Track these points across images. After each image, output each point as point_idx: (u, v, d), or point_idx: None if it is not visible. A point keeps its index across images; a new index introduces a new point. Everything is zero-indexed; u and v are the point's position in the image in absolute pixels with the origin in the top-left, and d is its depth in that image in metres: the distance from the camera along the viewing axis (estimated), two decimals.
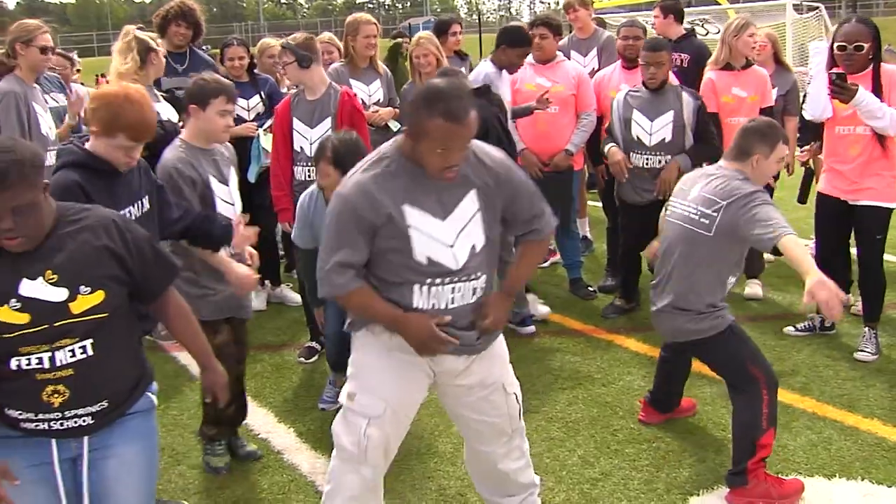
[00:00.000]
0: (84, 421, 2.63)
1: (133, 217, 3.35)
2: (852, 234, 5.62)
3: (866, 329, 5.60)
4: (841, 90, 4.99)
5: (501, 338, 3.38)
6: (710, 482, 4.06)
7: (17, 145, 2.47)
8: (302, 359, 5.72)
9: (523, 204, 3.20)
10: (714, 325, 4.03)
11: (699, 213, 3.99)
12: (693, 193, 4.08)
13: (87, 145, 3.31)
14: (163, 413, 4.90)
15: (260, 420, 4.90)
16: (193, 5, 6.53)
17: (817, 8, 19.78)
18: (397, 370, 3.17)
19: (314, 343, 5.80)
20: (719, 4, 20.08)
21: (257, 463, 4.40)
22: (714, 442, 4.43)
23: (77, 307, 2.54)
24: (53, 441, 2.66)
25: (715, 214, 3.92)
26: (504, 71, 6.08)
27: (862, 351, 5.53)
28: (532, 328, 6.02)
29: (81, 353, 2.57)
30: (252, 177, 6.33)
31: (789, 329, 5.93)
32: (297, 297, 6.68)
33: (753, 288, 6.73)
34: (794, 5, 18.32)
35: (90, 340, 2.58)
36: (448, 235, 3.05)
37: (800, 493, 3.91)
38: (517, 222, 3.24)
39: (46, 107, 5.51)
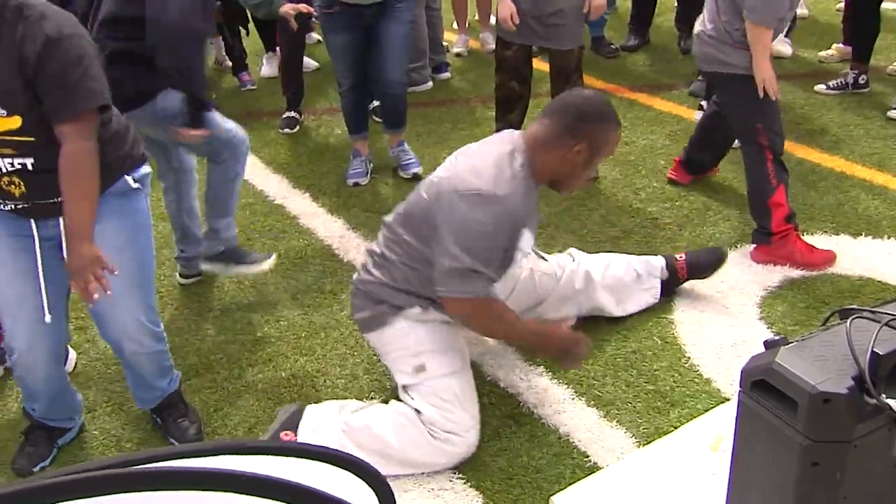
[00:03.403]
0: (52, 201, 2.52)
1: None
2: None
3: None
4: None
5: None
6: (734, 239, 4.00)
7: None
8: (287, 129, 5.57)
9: None
10: (742, 60, 3.74)
11: None
12: None
13: None
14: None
15: (274, 186, 4.84)
16: None
17: None
18: (445, 330, 2.95)
19: (293, 112, 5.64)
20: None
21: (273, 229, 4.37)
22: (739, 200, 4.31)
23: None
24: (32, 222, 2.59)
25: None
26: None
27: (895, 108, 5.32)
28: (448, 74, 6.37)
29: (21, 166, 2.46)
30: None
31: (820, 87, 5.71)
32: (311, 62, 6.51)
33: (783, 45, 6.45)
34: None
35: (29, 160, 2.45)
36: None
37: (829, 263, 3.81)
38: None
39: None
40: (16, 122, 2.40)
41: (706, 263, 3.63)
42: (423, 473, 2.80)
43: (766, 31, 3.66)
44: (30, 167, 2.48)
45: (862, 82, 5.65)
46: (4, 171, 2.48)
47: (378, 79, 4.66)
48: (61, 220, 2.56)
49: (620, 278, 3.49)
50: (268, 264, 3.86)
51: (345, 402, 2.97)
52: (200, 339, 3.57)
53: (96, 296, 2.48)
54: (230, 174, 3.70)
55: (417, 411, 2.81)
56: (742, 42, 3.71)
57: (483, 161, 2.75)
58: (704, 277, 3.64)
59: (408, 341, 2.90)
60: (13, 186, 2.51)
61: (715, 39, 3.78)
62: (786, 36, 6.45)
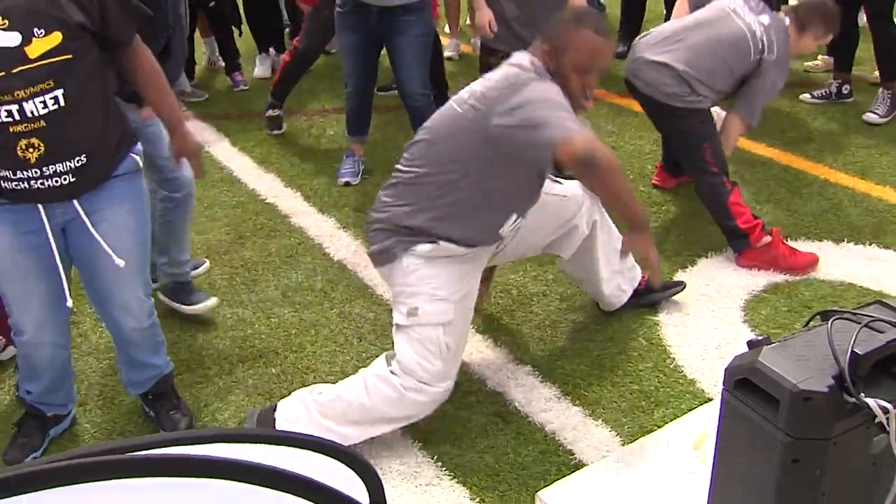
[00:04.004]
0: (65, 179, 2.55)
1: None
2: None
3: (880, 91, 5.50)
4: None
5: None
6: (719, 244, 4.05)
7: None
8: (276, 130, 5.55)
9: None
10: (695, 101, 3.92)
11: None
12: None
13: None
14: None
15: (266, 185, 4.88)
16: None
17: None
18: (458, 271, 2.91)
19: (276, 110, 5.60)
20: None
21: (265, 227, 4.41)
22: None
23: (33, 51, 2.39)
24: (41, 207, 2.60)
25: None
26: None
27: (872, 112, 5.45)
28: None
29: (53, 104, 2.45)
30: None
31: (805, 96, 5.80)
32: None
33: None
34: None
35: (60, 91, 2.45)
36: None
37: (812, 266, 3.89)
38: None
39: None
40: (56, 38, 2.43)
41: (668, 284, 3.71)
42: (411, 472, 2.84)
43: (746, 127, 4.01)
44: (61, 102, 2.47)
45: (845, 92, 5.74)
46: (34, 114, 2.44)
47: (400, 91, 4.72)
48: (75, 202, 2.61)
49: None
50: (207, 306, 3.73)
51: (313, 387, 3.00)
52: (192, 335, 3.60)
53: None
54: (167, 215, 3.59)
55: (396, 361, 2.85)
56: (703, 94, 3.90)
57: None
58: (655, 301, 3.68)
59: (410, 279, 2.89)
60: (31, 150, 2.49)
61: (682, 80, 3.89)
62: None
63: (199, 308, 3.68)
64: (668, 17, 6.42)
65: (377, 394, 2.84)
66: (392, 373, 2.84)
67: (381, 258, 2.95)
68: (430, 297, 2.86)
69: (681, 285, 3.71)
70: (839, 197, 4.55)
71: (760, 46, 3.91)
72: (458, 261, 2.90)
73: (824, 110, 5.65)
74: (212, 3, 6.13)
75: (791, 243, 3.99)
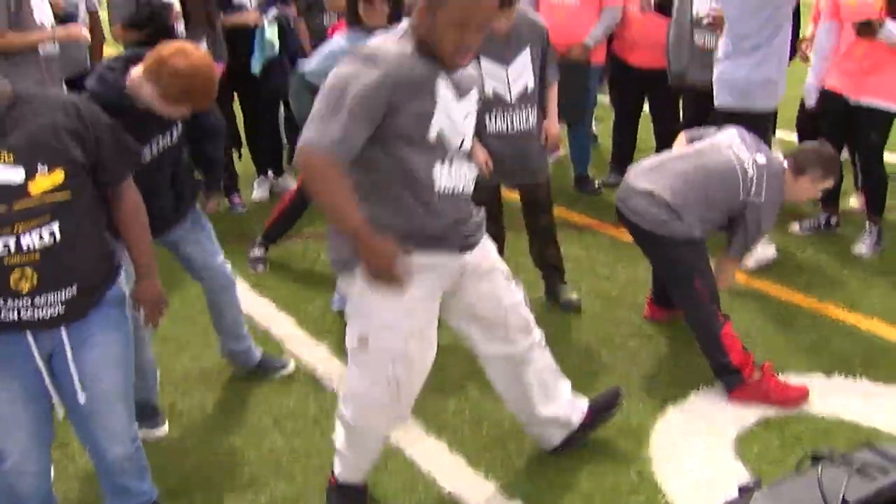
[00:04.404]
0: (55, 310, 2.59)
1: (163, 147, 3.43)
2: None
3: (867, 224, 5.61)
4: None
5: None
6: (711, 378, 4.05)
7: None
8: (259, 268, 5.48)
9: None
10: (686, 231, 3.96)
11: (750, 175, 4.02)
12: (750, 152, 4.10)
13: (129, 84, 3.19)
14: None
15: (261, 310, 4.90)
16: None
17: None
18: (413, 295, 2.81)
19: (260, 250, 5.53)
20: None
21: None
22: None
23: (36, 187, 2.46)
24: (29, 334, 2.62)
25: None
26: None
27: (861, 244, 5.56)
28: None
29: (49, 238, 2.51)
30: (256, 69, 6.21)
31: (794, 227, 5.89)
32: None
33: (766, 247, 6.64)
34: None
35: (56, 225, 2.51)
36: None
37: (803, 399, 3.90)
38: None
39: None
40: (58, 176, 2.50)
41: (604, 403, 3.62)
42: None
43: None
44: (57, 236, 2.51)
45: (833, 223, 5.84)
46: (29, 248, 2.49)
47: None
48: (63, 329, 2.65)
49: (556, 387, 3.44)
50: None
51: None
52: (180, 460, 3.58)
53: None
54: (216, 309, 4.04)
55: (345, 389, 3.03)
56: (690, 222, 3.95)
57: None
58: (606, 419, 3.62)
59: (364, 302, 2.85)
60: (23, 281, 2.52)
61: (668, 208, 3.95)
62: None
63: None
64: (658, 151, 6.60)
65: (339, 434, 3.12)
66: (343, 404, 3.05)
67: (338, 266, 2.93)
68: (378, 326, 2.85)
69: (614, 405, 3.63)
70: (829, 329, 4.58)
71: (749, 185, 3.98)
72: (413, 285, 2.76)
73: (812, 241, 5.74)
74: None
75: (781, 376, 4.00)
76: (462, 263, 3.00)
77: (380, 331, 2.85)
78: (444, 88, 2.77)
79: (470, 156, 2.99)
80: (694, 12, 5.89)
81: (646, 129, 6.94)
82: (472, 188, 3.01)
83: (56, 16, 5.36)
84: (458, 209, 2.93)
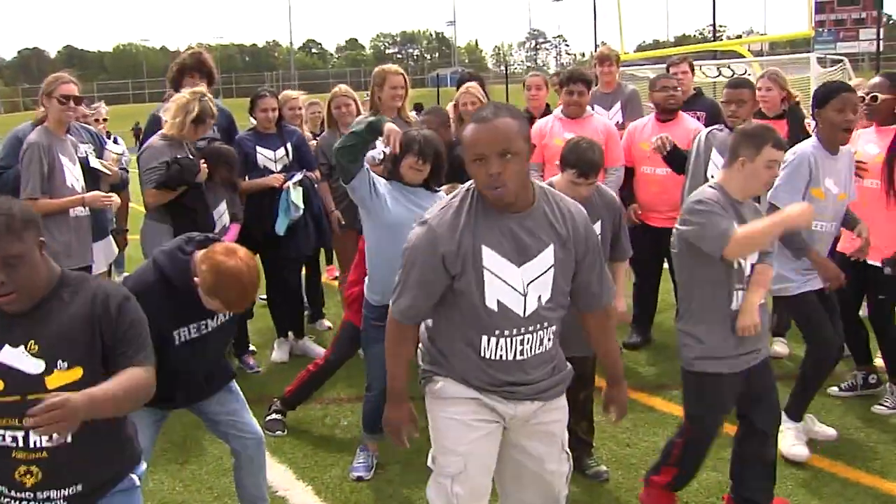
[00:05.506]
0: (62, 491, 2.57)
1: (207, 329, 3.48)
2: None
3: (887, 385, 5.56)
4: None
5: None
6: None
7: (7, 201, 2.51)
8: (278, 432, 5.41)
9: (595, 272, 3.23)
10: (696, 361, 4.02)
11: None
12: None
13: (193, 266, 3.30)
14: (181, 468, 4.86)
15: (279, 476, 4.82)
16: (206, 56, 6.56)
17: (841, 61, 19.69)
18: (470, 422, 3.14)
19: (278, 415, 5.51)
20: (744, 57, 20.00)
21: None
22: None
23: (53, 382, 2.48)
24: None
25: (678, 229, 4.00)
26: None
27: (881, 405, 5.50)
28: None
29: (58, 438, 2.48)
30: (281, 230, 6.34)
31: (833, 389, 5.77)
32: (320, 350, 6.58)
33: (779, 346, 6.60)
34: (818, 59, 18.20)
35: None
36: (520, 282, 3.03)
37: None
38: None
39: (75, 158, 5.51)
40: (77, 373, 2.51)
41: None
42: None
43: None
44: (67, 437, 2.48)
45: (872, 381, 5.74)
46: (36, 445, 2.48)
47: None
48: None
49: None
50: None
51: None
52: None
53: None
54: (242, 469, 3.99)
55: None
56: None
57: None
58: None
59: (433, 427, 3.21)
60: (28, 476, 2.52)
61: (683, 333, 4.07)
62: (782, 336, 6.63)
63: None
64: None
65: None
66: None
67: (422, 379, 3.26)
68: (442, 449, 3.16)
69: None
70: (861, 498, 4.44)
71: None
72: (466, 406, 3.12)
73: (840, 402, 5.63)
74: None
75: None
76: (515, 411, 3.19)
77: (443, 452, 3.17)
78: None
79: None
80: (708, 175, 5.99)
81: (666, 288, 6.94)
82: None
83: (112, 185, 6.01)
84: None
